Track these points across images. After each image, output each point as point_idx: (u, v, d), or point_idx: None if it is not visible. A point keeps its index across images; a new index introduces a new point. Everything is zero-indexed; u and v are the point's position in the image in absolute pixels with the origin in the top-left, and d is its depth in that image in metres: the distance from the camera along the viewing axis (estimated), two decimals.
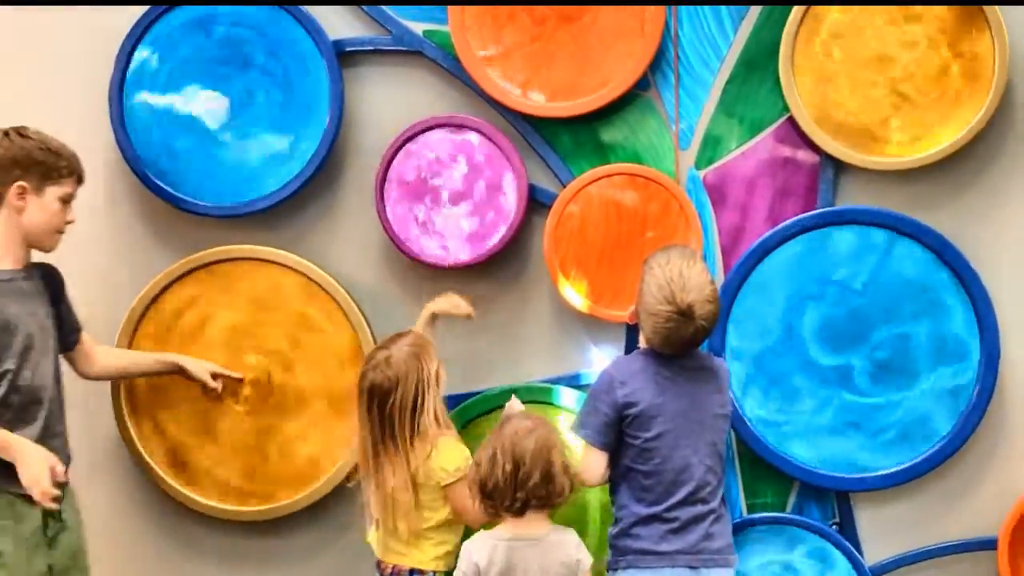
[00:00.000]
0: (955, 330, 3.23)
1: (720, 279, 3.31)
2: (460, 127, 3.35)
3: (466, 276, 3.37)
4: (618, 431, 2.91)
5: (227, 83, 3.41)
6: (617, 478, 2.94)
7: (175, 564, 3.54)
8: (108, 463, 3.52)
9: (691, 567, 2.87)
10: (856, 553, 3.29)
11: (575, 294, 3.32)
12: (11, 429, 2.89)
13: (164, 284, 3.42)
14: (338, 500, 3.41)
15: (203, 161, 3.42)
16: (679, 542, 2.87)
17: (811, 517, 3.31)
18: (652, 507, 2.88)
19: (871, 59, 3.22)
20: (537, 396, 3.31)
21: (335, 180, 3.45)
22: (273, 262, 3.41)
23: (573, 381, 3.38)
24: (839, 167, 3.28)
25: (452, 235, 3.35)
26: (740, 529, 3.25)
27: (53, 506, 2.88)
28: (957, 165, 3.24)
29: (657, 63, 3.31)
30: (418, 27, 3.39)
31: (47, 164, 2.97)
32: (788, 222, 3.27)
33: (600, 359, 3.37)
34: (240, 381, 3.41)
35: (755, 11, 3.28)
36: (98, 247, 3.49)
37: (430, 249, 3.35)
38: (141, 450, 3.44)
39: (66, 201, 3.01)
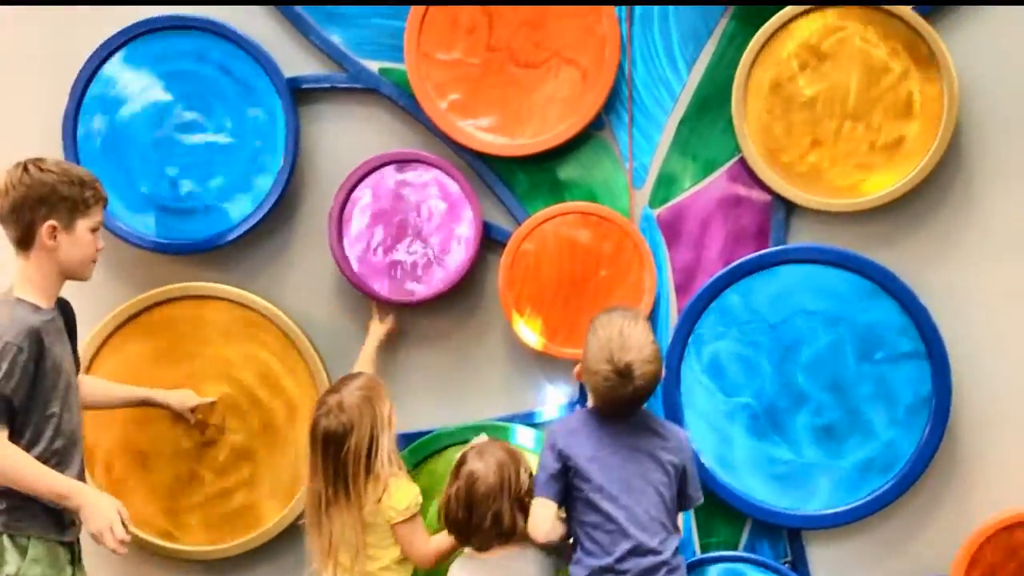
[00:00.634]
0: (907, 370, 3.25)
1: (673, 318, 3.33)
2: (415, 164, 3.35)
3: (421, 313, 3.38)
4: (564, 483, 2.92)
5: (182, 116, 3.40)
6: (571, 532, 2.95)
7: None
8: None
9: None
10: None
11: (530, 332, 3.33)
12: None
13: (117, 324, 3.40)
14: (285, 544, 3.41)
15: (155, 195, 3.41)
16: None
17: (763, 555, 3.32)
18: (603, 559, 2.88)
19: (821, 100, 3.25)
20: (492, 434, 3.30)
21: (290, 217, 3.45)
22: (227, 299, 3.40)
23: (528, 419, 3.38)
24: (790, 207, 3.30)
25: (407, 272, 3.35)
26: (693, 568, 3.25)
27: (123, 551, 2.83)
28: (907, 206, 3.27)
29: (611, 103, 3.33)
30: (374, 65, 3.40)
31: (73, 198, 2.87)
32: (738, 262, 3.29)
33: (555, 397, 3.38)
34: (213, 403, 3.39)
35: (708, 51, 3.31)
36: None
37: (385, 286, 3.35)
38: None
39: (95, 229, 2.93)
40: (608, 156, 3.37)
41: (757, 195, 3.32)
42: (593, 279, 3.31)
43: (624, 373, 2.85)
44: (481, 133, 3.33)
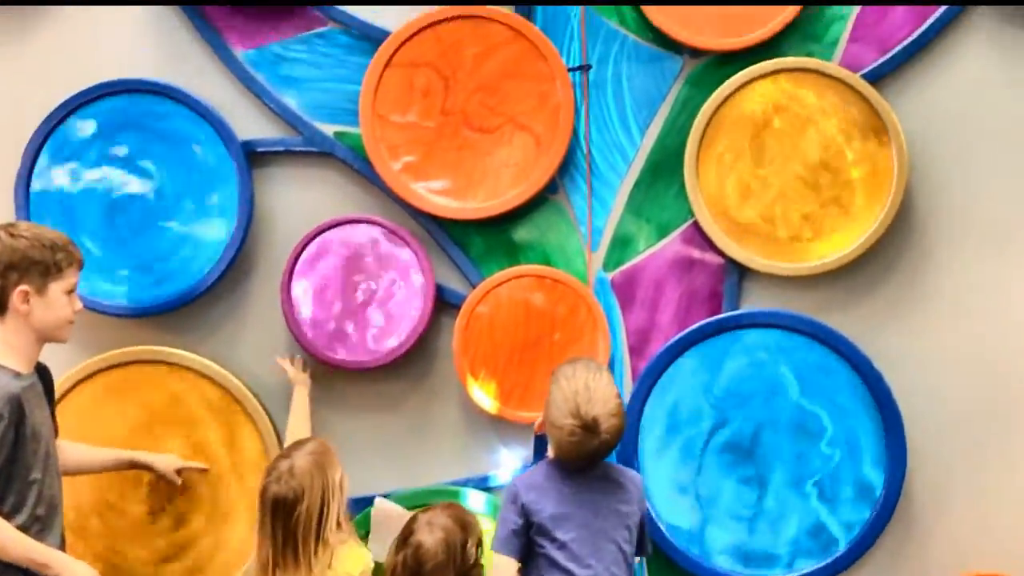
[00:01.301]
0: (861, 434, 3.25)
1: (628, 381, 3.32)
2: (369, 226, 3.35)
3: (374, 376, 3.36)
4: (526, 540, 2.89)
5: (137, 178, 3.39)
6: None
7: None
8: None
9: None
10: None
11: (484, 395, 3.32)
12: (40, 540, 2.82)
13: (67, 387, 3.38)
14: None
15: (109, 257, 3.40)
16: None
17: None
18: None
19: (774, 164, 3.27)
20: (445, 498, 3.28)
21: (243, 280, 3.44)
22: (178, 364, 3.38)
23: (482, 483, 3.36)
24: (743, 271, 3.32)
25: (360, 335, 3.34)
26: None
27: None
28: (859, 270, 3.29)
29: (565, 167, 3.35)
30: (329, 128, 3.41)
31: (45, 262, 2.85)
32: (690, 329, 3.29)
33: (509, 460, 3.36)
34: (205, 471, 3.37)
35: (661, 117, 3.34)
36: None
37: (338, 349, 3.34)
38: None
39: (70, 292, 2.91)
40: (563, 219, 3.38)
41: (710, 258, 3.33)
42: (547, 342, 3.31)
43: (591, 427, 2.82)
44: (434, 196, 3.33)
